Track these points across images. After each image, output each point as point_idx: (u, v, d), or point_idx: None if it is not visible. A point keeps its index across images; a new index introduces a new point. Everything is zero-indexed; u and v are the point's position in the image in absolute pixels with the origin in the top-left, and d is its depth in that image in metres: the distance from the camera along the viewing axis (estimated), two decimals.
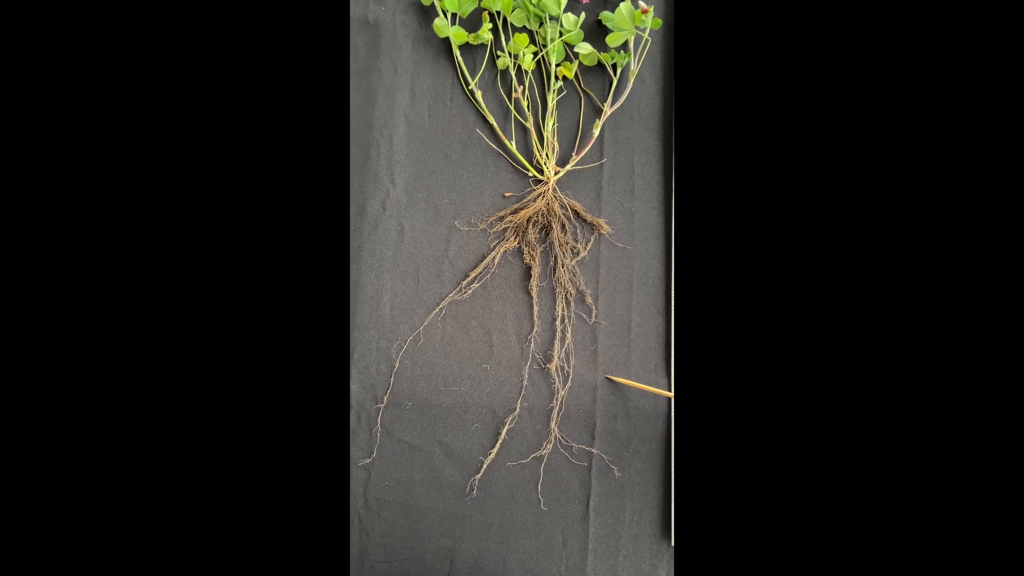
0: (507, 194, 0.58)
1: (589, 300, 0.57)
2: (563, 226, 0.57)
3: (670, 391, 0.56)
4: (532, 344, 0.56)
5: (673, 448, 0.55)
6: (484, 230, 0.58)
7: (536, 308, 0.56)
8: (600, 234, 0.58)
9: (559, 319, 0.56)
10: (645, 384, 0.56)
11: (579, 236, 0.58)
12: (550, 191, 0.57)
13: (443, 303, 0.57)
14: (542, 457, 0.55)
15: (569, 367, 0.56)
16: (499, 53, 0.58)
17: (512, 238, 0.57)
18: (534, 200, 0.57)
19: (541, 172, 0.58)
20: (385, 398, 0.55)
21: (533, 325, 0.56)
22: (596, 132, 0.58)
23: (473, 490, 0.55)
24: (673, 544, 0.54)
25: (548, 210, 0.57)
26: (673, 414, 0.56)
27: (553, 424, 0.55)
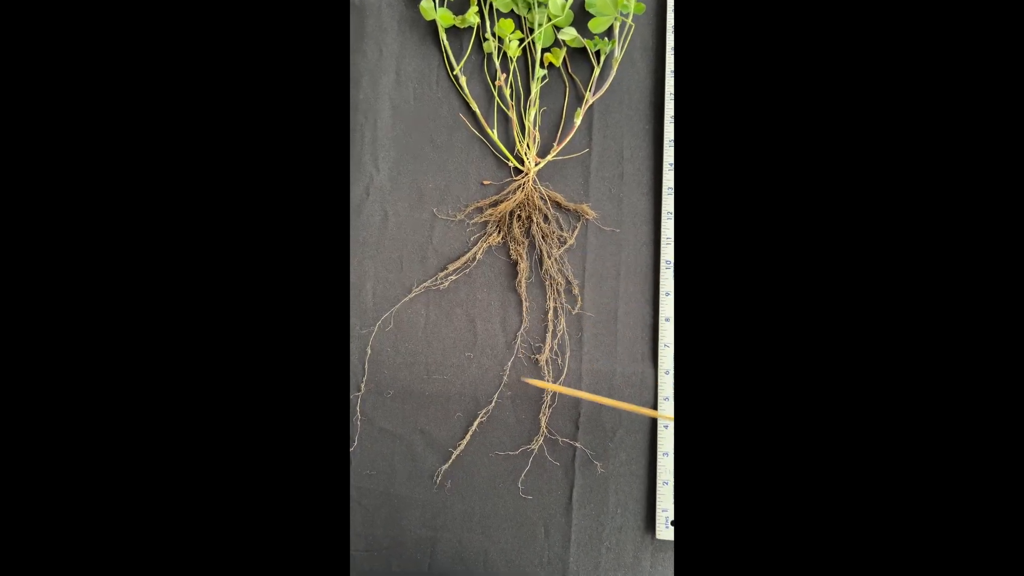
0: (485, 182, 0.57)
1: (576, 290, 0.56)
2: (545, 217, 0.56)
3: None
4: (518, 340, 0.55)
5: (673, 440, 0.54)
6: (464, 221, 0.57)
7: (526, 304, 0.55)
8: (587, 221, 0.57)
9: (550, 311, 0.55)
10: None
11: (564, 225, 0.57)
12: (530, 183, 0.56)
13: (416, 291, 0.55)
14: (531, 450, 0.54)
15: (564, 361, 0.55)
16: (486, 37, 0.57)
17: (495, 233, 0.56)
18: (514, 192, 0.56)
19: (522, 163, 0.57)
20: (362, 386, 0.55)
21: (522, 320, 0.55)
22: (577, 122, 0.57)
23: (437, 478, 0.54)
24: (672, 537, 0.53)
25: (528, 202, 0.56)
26: (670, 403, 0.55)
27: (542, 418, 0.54)
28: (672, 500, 0.52)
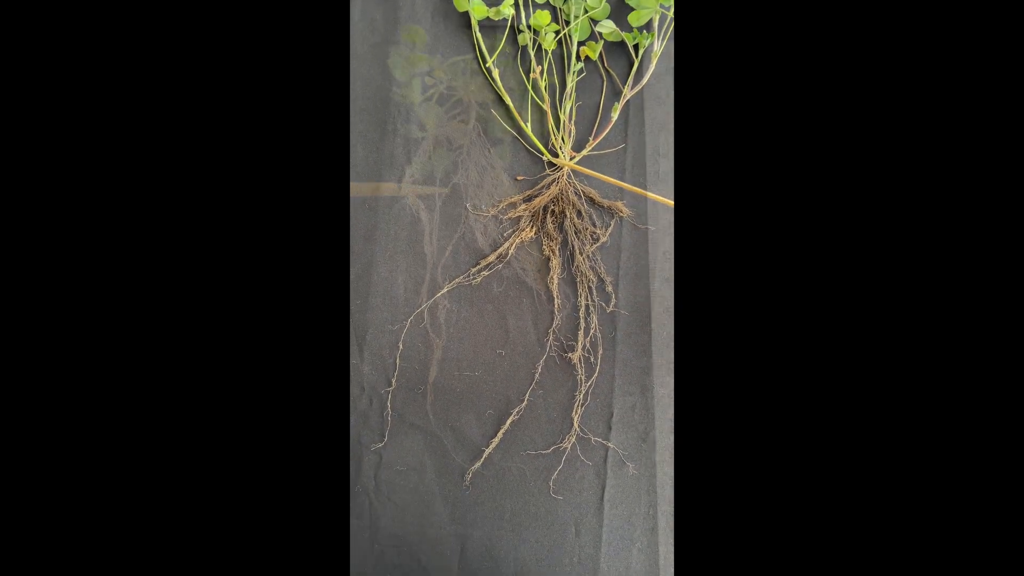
0: (519, 177, 0.56)
1: (609, 288, 0.55)
2: (579, 213, 0.55)
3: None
4: (550, 338, 0.54)
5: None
6: (498, 216, 0.56)
7: (558, 301, 0.55)
8: (621, 218, 0.56)
9: (582, 309, 0.54)
10: None
11: (598, 221, 0.56)
12: (564, 177, 0.55)
13: (447, 286, 0.55)
14: (562, 449, 0.53)
15: (596, 359, 0.54)
16: (521, 29, 0.56)
17: (529, 228, 0.55)
18: (548, 187, 0.55)
19: (556, 156, 0.56)
20: (393, 381, 0.54)
21: (553, 318, 0.55)
22: (614, 116, 0.56)
23: (468, 476, 0.53)
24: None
25: (562, 197, 0.55)
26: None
27: (575, 416, 0.53)
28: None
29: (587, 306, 0.54)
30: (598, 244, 0.55)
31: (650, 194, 0.50)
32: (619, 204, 0.55)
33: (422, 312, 0.55)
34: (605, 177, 0.55)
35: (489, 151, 0.56)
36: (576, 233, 0.55)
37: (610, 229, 0.56)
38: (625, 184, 0.56)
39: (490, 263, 0.55)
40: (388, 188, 0.56)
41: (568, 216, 0.55)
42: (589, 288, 0.55)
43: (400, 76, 0.57)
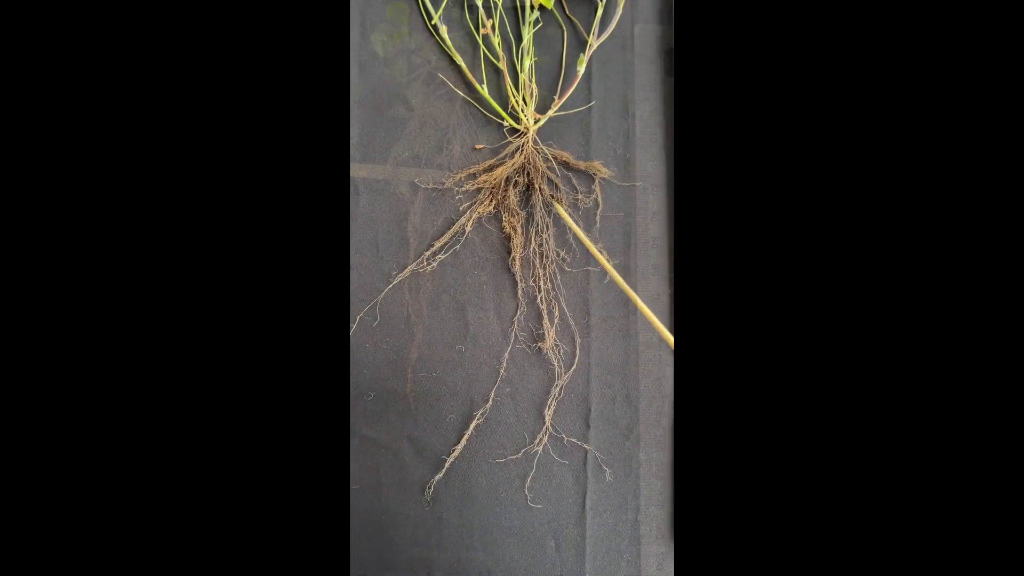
0: (478, 147, 0.50)
1: (567, 267, 0.49)
2: (549, 181, 0.49)
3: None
4: (515, 326, 0.48)
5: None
6: (452, 189, 0.49)
7: (521, 285, 0.48)
8: (596, 185, 0.49)
9: (541, 292, 0.48)
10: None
11: (578, 186, 0.49)
12: (530, 143, 0.48)
13: (397, 277, 0.48)
14: (534, 451, 0.47)
15: (577, 347, 0.48)
16: None
17: (488, 200, 0.49)
18: (511, 155, 0.49)
19: (518, 121, 0.49)
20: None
21: (517, 304, 0.48)
22: (581, 70, 0.49)
23: (430, 490, 0.47)
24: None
25: (530, 165, 0.48)
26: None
27: (548, 413, 0.47)
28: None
29: (548, 290, 0.48)
30: (579, 209, 0.49)
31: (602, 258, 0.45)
32: (596, 164, 0.49)
33: (367, 309, 0.48)
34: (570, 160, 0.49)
35: (439, 120, 0.49)
36: (545, 205, 0.48)
37: (595, 195, 0.49)
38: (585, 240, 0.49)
39: (445, 244, 0.48)
40: (375, 169, 0.49)
41: (536, 186, 0.48)
42: (555, 268, 0.48)
43: (384, 54, 0.50)
